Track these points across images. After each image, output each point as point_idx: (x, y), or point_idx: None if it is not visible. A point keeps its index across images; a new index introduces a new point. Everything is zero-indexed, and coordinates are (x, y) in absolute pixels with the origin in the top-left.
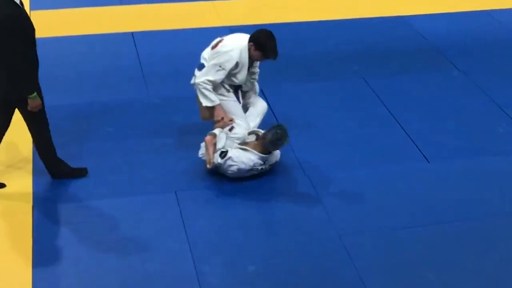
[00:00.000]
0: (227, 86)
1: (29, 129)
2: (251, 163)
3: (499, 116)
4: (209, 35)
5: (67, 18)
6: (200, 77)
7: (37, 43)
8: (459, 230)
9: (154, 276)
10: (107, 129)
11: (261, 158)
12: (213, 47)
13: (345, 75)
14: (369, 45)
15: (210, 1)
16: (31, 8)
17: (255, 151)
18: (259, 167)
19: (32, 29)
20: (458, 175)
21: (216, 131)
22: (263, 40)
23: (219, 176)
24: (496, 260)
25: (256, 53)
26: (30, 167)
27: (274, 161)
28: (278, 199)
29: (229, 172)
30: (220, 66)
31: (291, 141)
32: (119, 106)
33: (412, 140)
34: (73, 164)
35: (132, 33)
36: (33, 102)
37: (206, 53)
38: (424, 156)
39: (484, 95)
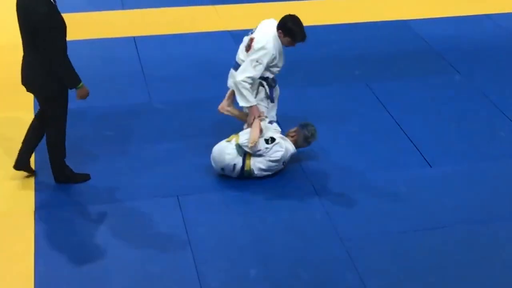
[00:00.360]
0: (267, 89)
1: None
2: (289, 154)
3: (501, 120)
4: (211, 39)
5: (69, 23)
6: (239, 75)
7: None
8: (462, 234)
9: (156, 280)
10: (109, 134)
11: (294, 151)
12: (247, 49)
13: (346, 79)
14: (370, 50)
15: (211, 5)
16: None
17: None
18: (283, 164)
19: (64, 26)
20: (460, 179)
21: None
22: (290, 25)
23: (221, 180)
24: (499, 264)
25: (285, 40)
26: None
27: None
28: (280, 204)
29: (272, 158)
30: (257, 61)
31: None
32: (121, 110)
33: (414, 145)
34: (75, 168)
35: (134, 37)
36: (81, 91)
37: (242, 55)
38: (426, 161)
39: (486, 99)
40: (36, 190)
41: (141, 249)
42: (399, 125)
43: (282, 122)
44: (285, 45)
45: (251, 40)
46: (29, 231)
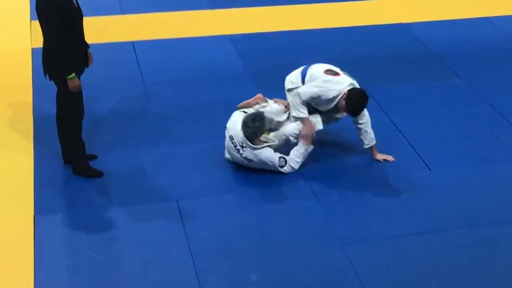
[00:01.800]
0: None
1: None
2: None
3: (501, 124)
4: (209, 44)
5: None
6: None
7: (37, 52)
8: (462, 237)
9: (156, 286)
10: (108, 138)
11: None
12: (326, 72)
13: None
14: (371, 53)
15: (210, 10)
16: (32, 18)
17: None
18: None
19: (75, 15)
20: (460, 183)
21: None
22: (353, 96)
23: (220, 184)
24: (499, 268)
25: (342, 103)
26: (31, 176)
27: (253, 160)
28: (280, 208)
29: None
30: (317, 95)
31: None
32: (120, 115)
33: (413, 148)
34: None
35: (132, 42)
36: (71, 82)
37: (318, 72)
38: (426, 164)
39: (485, 103)
40: (35, 194)
41: (142, 255)
42: (398, 129)
43: None
44: (339, 106)
45: (336, 74)
46: (29, 236)
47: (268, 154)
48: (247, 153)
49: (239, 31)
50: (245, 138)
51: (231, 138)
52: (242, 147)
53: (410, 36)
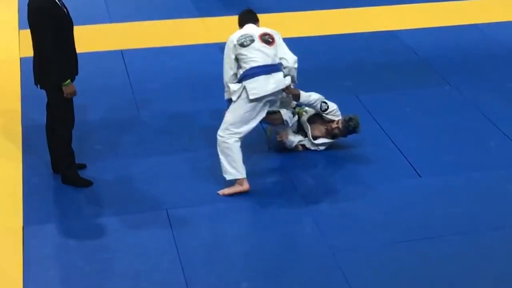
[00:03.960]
0: None
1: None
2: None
3: (490, 131)
4: (199, 52)
5: None
6: (293, 59)
7: (26, 61)
8: (453, 244)
9: None
10: (97, 147)
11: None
12: (270, 43)
13: (337, 91)
14: (360, 61)
15: (199, 18)
16: (20, 27)
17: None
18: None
19: (66, 23)
20: (450, 190)
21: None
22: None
23: (210, 193)
24: (490, 274)
25: None
26: (19, 186)
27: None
28: (270, 216)
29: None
30: None
31: (283, 158)
32: (109, 124)
33: (404, 156)
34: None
35: (121, 50)
36: (67, 89)
37: (270, 50)
38: (416, 171)
39: (475, 110)
40: (24, 204)
41: (132, 264)
42: (388, 136)
43: (272, 135)
44: None
45: (267, 35)
46: (18, 247)
47: None
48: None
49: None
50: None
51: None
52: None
53: (399, 43)
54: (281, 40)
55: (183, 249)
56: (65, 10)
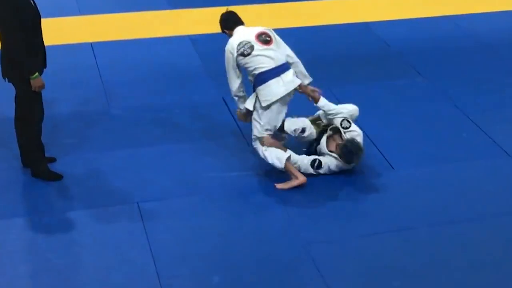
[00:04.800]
0: None
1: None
2: (338, 169)
3: (463, 122)
4: (169, 44)
5: None
6: (294, 56)
7: None
8: (427, 236)
9: None
10: (67, 141)
11: (347, 166)
12: (268, 42)
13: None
14: (332, 53)
15: (170, 10)
16: None
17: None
18: None
19: (32, 16)
20: (424, 182)
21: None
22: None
23: (181, 186)
24: (463, 265)
25: None
26: None
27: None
28: (243, 209)
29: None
30: None
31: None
32: (79, 117)
33: (377, 148)
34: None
35: (91, 43)
36: (35, 82)
37: (272, 50)
38: (389, 163)
39: (448, 101)
40: None
41: (102, 258)
42: (361, 128)
43: (246, 129)
44: None
45: (263, 34)
46: None
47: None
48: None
49: (199, 31)
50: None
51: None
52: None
53: (372, 35)
54: (277, 36)
55: (155, 242)
56: (32, 2)
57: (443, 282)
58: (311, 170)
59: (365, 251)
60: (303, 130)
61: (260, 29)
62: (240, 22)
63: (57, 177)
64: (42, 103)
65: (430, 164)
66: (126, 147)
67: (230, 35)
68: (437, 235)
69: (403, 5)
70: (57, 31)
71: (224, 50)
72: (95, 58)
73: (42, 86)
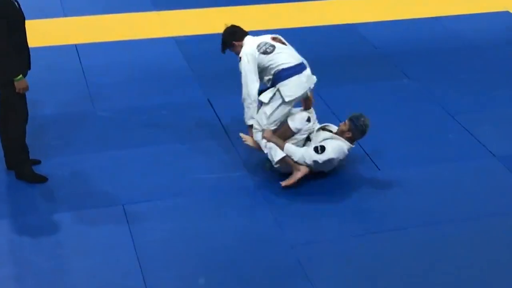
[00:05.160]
0: None
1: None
2: (342, 155)
3: (449, 123)
4: (154, 46)
5: None
6: None
7: None
8: (411, 237)
9: None
10: (52, 143)
11: (349, 148)
12: (284, 44)
13: None
14: (318, 54)
15: (155, 11)
16: None
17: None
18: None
19: (18, 17)
20: (409, 183)
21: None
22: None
23: (167, 188)
24: (450, 266)
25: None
26: None
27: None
28: (228, 211)
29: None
30: None
31: (240, 151)
32: (64, 119)
33: (363, 149)
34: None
35: (75, 45)
36: (19, 84)
37: (291, 49)
38: (375, 164)
39: (434, 103)
40: None
41: (88, 260)
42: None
43: (230, 129)
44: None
45: (276, 38)
46: None
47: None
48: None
49: (184, 32)
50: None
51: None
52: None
53: (358, 36)
54: None
55: (140, 244)
56: (16, 4)
57: (431, 282)
58: (313, 158)
59: (352, 252)
60: (309, 119)
61: (269, 35)
62: (245, 33)
63: (42, 179)
64: (26, 105)
65: (416, 165)
66: (111, 149)
67: (240, 46)
68: (423, 235)
69: (389, 6)
70: (41, 32)
71: (209, 52)
72: (80, 60)
73: (27, 88)
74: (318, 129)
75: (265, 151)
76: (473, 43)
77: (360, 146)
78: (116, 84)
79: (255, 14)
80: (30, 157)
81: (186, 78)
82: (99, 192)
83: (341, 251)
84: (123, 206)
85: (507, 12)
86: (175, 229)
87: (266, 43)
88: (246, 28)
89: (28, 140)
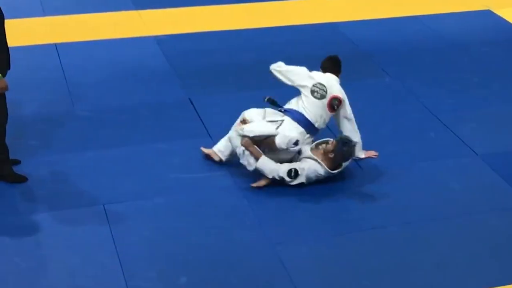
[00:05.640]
0: None
1: None
2: (315, 178)
3: (431, 122)
4: (135, 45)
5: None
6: (357, 135)
7: None
8: (393, 235)
9: None
10: (32, 143)
11: (327, 173)
12: (332, 109)
13: (277, 85)
14: (300, 53)
15: (135, 10)
16: None
17: (324, 165)
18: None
19: None
20: (391, 181)
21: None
22: (338, 64)
23: (147, 188)
24: (430, 264)
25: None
26: None
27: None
28: (209, 210)
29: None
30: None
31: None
32: (44, 119)
33: None
34: None
35: (55, 44)
36: None
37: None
38: (358, 163)
39: (416, 101)
40: None
41: (68, 261)
42: (329, 128)
43: (211, 128)
44: None
45: (337, 99)
46: None
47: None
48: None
49: (165, 32)
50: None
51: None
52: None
53: (340, 35)
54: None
55: (121, 244)
56: None
57: (412, 281)
58: (285, 179)
59: (334, 251)
60: (297, 142)
61: (338, 93)
62: (336, 71)
63: (22, 179)
64: (6, 104)
65: (398, 164)
66: (92, 148)
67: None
68: (406, 234)
69: (371, 5)
70: (21, 32)
71: (189, 51)
72: (60, 59)
73: (6, 88)
74: (316, 145)
75: (240, 159)
76: (455, 42)
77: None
78: (97, 84)
79: (236, 13)
80: (10, 157)
81: (167, 77)
82: (79, 192)
83: (323, 250)
84: (103, 206)
85: (488, 11)
86: (156, 228)
87: (323, 90)
88: (227, 27)
89: (8, 140)
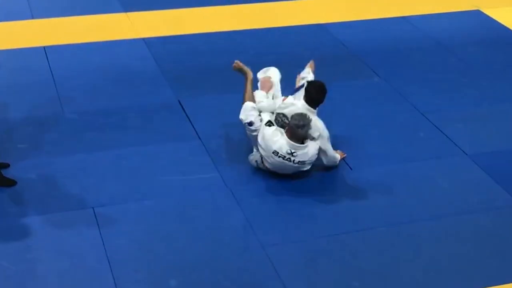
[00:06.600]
0: None
1: None
2: (278, 148)
3: (420, 122)
4: (123, 48)
5: None
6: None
7: None
8: (383, 236)
9: None
10: (20, 146)
11: (290, 146)
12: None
13: None
14: (289, 54)
15: (124, 13)
16: None
17: (286, 137)
18: (287, 156)
19: None
20: (381, 182)
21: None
22: (315, 97)
23: (137, 190)
24: (420, 265)
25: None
26: None
27: (306, 160)
28: (199, 212)
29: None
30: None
31: (211, 152)
32: (33, 122)
33: (334, 149)
34: None
35: (44, 47)
36: None
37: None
38: (347, 164)
39: (405, 101)
40: None
41: (57, 264)
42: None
43: (199, 130)
44: None
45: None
46: None
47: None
48: (299, 156)
49: (153, 34)
50: (292, 143)
51: (276, 153)
52: (292, 154)
53: (328, 36)
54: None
55: (111, 247)
56: None
57: (402, 282)
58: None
59: (323, 252)
60: (251, 123)
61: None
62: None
63: (10, 182)
64: None
65: (388, 164)
66: (81, 151)
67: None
68: (395, 234)
69: (359, 6)
70: (9, 35)
71: (178, 53)
72: (48, 62)
73: None
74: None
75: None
76: (444, 42)
77: (332, 145)
78: (85, 86)
79: (225, 15)
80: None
81: (156, 79)
82: (68, 195)
83: (313, 251)
84: (93, 208)
85: (478, 11)
86: (145, 231)
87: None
88: (216, 29)
89: None
